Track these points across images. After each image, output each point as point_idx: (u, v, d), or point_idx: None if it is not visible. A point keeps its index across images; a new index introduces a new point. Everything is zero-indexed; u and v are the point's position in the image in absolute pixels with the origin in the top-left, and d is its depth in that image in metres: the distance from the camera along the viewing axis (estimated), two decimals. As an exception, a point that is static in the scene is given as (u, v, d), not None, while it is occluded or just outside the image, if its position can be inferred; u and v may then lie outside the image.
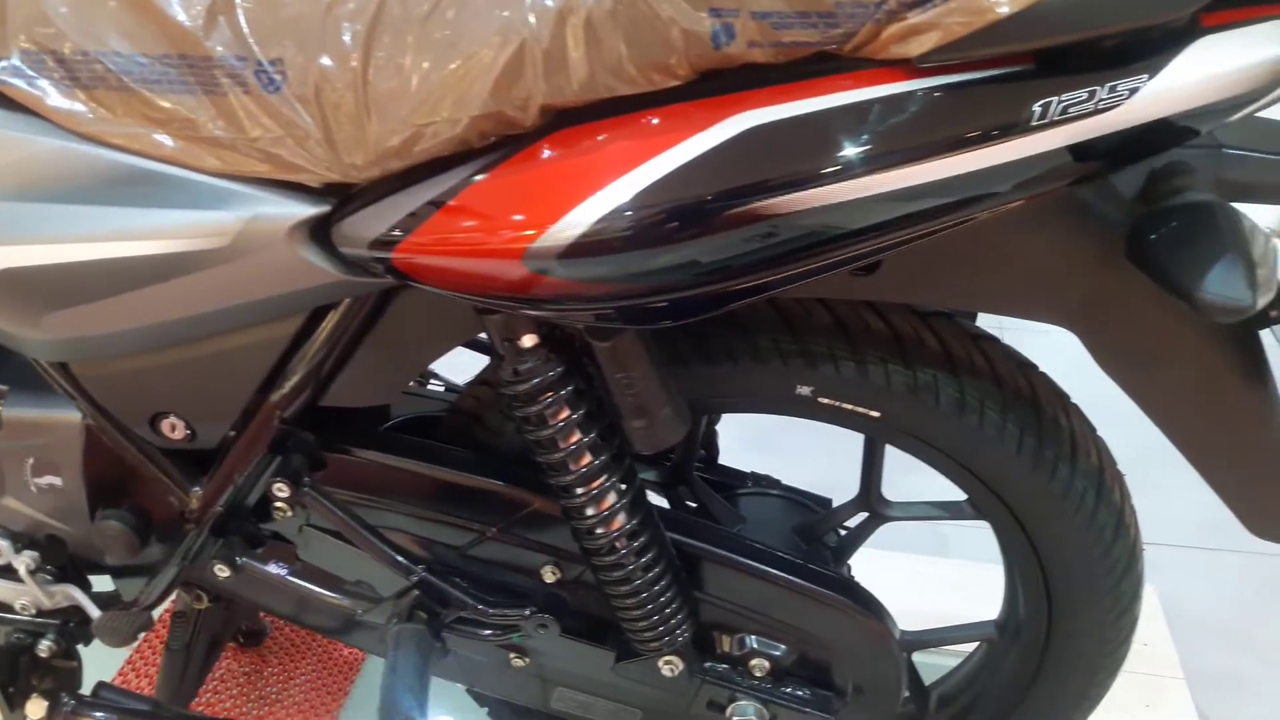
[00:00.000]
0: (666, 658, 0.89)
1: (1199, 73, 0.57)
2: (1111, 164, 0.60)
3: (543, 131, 0.61)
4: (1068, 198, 0.68)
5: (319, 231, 0.69)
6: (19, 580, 0.95)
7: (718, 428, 1.14)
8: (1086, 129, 0.57)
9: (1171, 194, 0.66)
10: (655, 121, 0.59)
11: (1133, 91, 0.57)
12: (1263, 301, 0.59)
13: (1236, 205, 0.65)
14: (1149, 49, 0.57)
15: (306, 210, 0.68)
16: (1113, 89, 0.56)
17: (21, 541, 0.95)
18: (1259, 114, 0.70)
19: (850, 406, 0.85)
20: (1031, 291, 0.72)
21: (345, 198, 0.68)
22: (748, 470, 1.15)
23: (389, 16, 0.61)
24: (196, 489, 0.88)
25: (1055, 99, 0.56)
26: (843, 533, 1.04)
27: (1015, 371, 0.85)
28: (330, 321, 0.77)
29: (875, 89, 0.57)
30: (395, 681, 0.78)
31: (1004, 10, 0.53)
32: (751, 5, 0.56)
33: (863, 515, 1.00)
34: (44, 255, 0.71)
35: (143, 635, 1.01)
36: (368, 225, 0.66)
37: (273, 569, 0.90)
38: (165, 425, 0.84)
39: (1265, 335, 0.76)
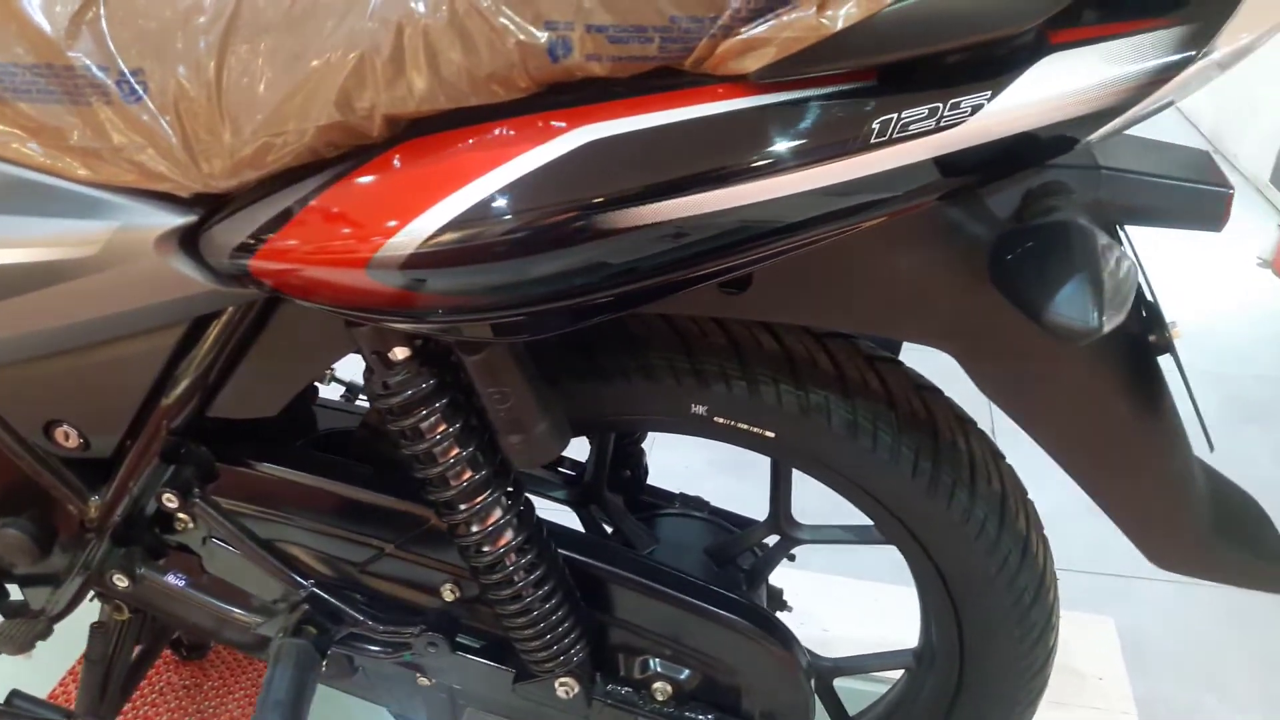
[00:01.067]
0: (562, 679, 0.88)
1: (1044, 91, 0.57)
2: (966, 181, 0.60)
3: (393, 141, 0.61)
4: (937, 215, 0.68)
5: (188, 241, 0.70)
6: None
7: (677, 453, 1.13)
8: (930, 146, 0.57)
9: (1042, 213, 0.65)
10: (498, 133, 0.59)
11: (975, 109, 0.56)
12: (1110, 325, 0.57)
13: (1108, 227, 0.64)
14: (993, 66, 0.56)
15: (174, 220, 0.68)
16: (955, 106, 0.56)
17: None
18: (1139, 133, 0.69)
19: (745, 426, 0.84)
20: (902, 310, 0.71)
21: (212, 208, 0.68)
22: (677, 492, 1.14)
23: (241, 26, 0.61)
24: (95, 498, 0.88)
25: (895, 115, 0.56)
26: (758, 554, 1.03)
27: (912, 394, 0.84)
28: (212, 332, 0.77)
29: (713, 105, 0.57)
30: (266, 697, 0.77)
31: (838, 25, 0.53)
32: (586, 19, 0.56)
33: (774, 537, 0.99)
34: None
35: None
36: (229, 234, 0.66)
37: (171, 580, 0.90)
38: (59, 434, 0.84)
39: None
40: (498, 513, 0.79)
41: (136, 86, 0.65)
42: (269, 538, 0.88)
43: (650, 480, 1.13)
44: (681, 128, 0.57)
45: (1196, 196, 0.68)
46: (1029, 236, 0.63)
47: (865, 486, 0.86)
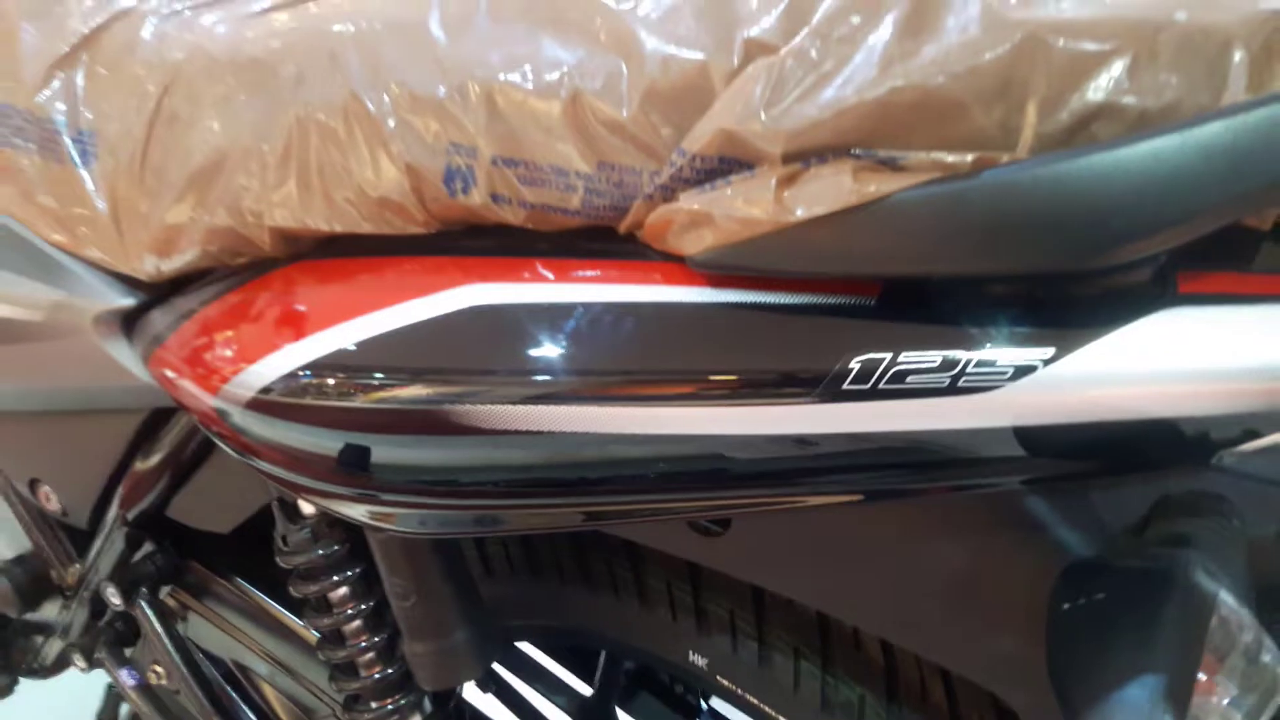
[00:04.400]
0: None
1: (1153, 363, 0.35)
2: (997, 480, 0.38)
3: (289, 261, 0.49)
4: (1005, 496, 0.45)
5: (129, 328, 0.61)
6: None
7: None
8: (929, 413, 0.36)
9: (1152, 545, 0.41)
10: (383, 274, 0.45)
11: (1020, 372, 0.35)
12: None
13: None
14: (1065, 312, 0.35)
15: (116, 300, 0.61)
16: (985, 362, 0.35)
17: None
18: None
19: (754, 701, 0.63)
20: (924, 621, 0.48)
21: (156, 296, 0.60)
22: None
23: (181, 87, 0.52)
24: (76, 566, 0.82)
25: (886, 358, 0.36)
26: None
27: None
28: (172, 429, 0.69)
29: (638, 289, 0.40)
30: None
31: (795, 215, 0.35)
32: (493, 148, 0.41)
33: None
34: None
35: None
36: (146, 327, 0.57)
37: (124, 677, 0.82)
38: (42, 493, 0.79)
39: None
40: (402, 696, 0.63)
41: (90, 148, 0.58)
42: (212, 660, 0.78)
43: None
44: (592, 310, 0.40)
45: None
46: (1110, 583, 0.39)
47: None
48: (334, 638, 0.62)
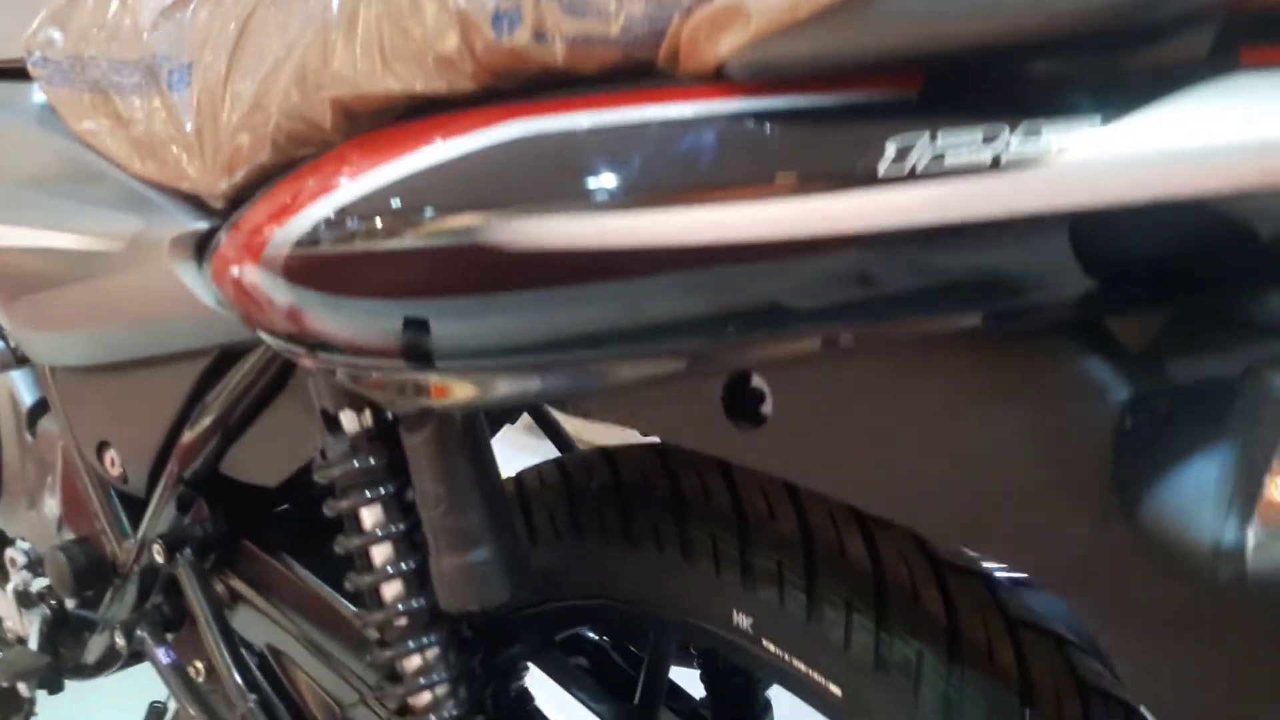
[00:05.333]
0: None
1: (1216, 135, 0.33)
2: (1054, 298, 0.36)
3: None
4: (1065, 365, 0.42)
5: (201, 253, 0.64)
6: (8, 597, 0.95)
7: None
8: (969, 195, 0.35)
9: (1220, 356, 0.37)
10: (426, 125, 0.46)
11: (1068, 146, 0.34)
12: (1262, 559, 0.29)
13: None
14: (1125, 85, 0.34)
15: (191, 224, 0.63)
16: (1031, 130, 0.34)
17: (32, 563, 0.96)
18: None
19: (803, 668, 0.58)
20: (986, 512, 0.44)
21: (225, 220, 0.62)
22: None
23: (257, 18, 0.56)
24: (129, 542, 0.83)
25: (925, 136, 0.35)
26: None
27: (1066, 687, 0.53)
28: (235, 375, 0.70)
29: (671, 106, 0.40)
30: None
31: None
32: (539, -19, 0.42)
33: None
34: (12, 231, 0.73)
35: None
36: (212, 248, 0.59)
37: (160, 654, 0.80)
38: (108, 458, 0.80)
39: None
40: (420, 661, 0.60)
41: (186, 76, 0.62)
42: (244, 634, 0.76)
43: None
44: (625, 130, 0.40)
45: None
46: (1177, 400, 0.36)
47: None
48: (361, 561, 0.60)
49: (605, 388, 0.46)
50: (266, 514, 0.78)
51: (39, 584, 0.96)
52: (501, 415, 0.82)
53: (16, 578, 0.95)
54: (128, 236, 0.66)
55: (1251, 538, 0.28)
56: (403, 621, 0.59)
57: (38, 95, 0.77)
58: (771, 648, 0.59)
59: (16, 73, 0.78)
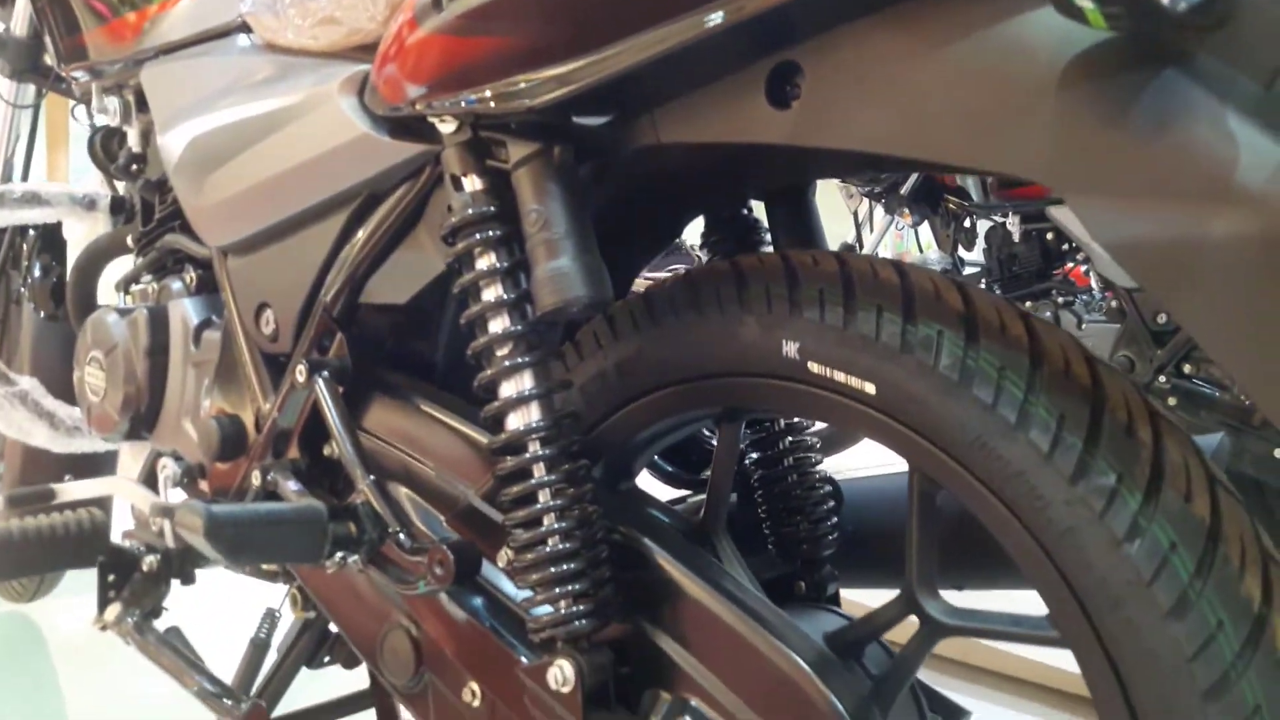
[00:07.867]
0: (559, 659, 0.69)
1: None
2: None
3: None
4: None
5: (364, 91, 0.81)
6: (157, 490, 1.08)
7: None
8: None
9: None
10: None
11: None
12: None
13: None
14: None
15: (356, 66, 0.81)
16: None
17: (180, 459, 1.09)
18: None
19: (843, 378, 0.67)
20: (980, 127, 0.54)
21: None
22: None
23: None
24: (267, 405, 0.96)
25: None
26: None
27: (1075, 356, 0.60)
28: (375, 215, 0.85)
29: None
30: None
31: None
32: None
33: (912, 619, 0.71)
34: (212, 121, 0.93)
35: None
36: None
37: (290, 486, 0.91)
38: (264, 319, 0.95)
39: None
40: (538, 413, 0.71)
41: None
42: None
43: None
44: None
45: None
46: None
47: (994, 487, 0.61)
48: (473, 294, 0.73)
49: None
50: (395, 353, 0.91)
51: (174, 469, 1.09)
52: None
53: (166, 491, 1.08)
54: (304, 90, 0.84)
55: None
56: (513, 369, 0.72)
57: (241, 41, 0.99)
58: (816, 368, 0.68)
59: (224, 33, 1.01)
